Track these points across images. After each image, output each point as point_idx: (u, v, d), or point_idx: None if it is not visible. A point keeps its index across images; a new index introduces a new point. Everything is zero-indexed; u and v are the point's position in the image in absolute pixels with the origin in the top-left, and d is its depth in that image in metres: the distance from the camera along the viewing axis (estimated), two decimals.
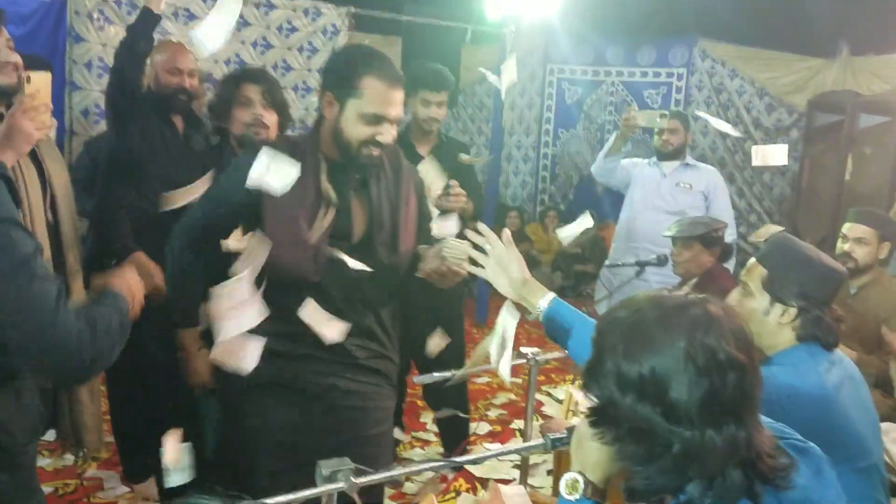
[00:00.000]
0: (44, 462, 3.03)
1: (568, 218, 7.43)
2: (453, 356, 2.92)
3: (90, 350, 1.16)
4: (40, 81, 1.85)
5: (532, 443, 1.39)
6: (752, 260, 1.88)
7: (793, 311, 1.75)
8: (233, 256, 1.82)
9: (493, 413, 4.06)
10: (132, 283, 1.40)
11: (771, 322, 1.78)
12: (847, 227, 3.22)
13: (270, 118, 2.45)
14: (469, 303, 6.36)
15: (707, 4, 6.63)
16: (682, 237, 2.95)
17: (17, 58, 1.93)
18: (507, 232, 1.69)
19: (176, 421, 1.98)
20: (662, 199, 3.84)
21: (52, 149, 2.08)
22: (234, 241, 2.22)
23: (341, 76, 1.79)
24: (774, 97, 6.94)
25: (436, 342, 2.04)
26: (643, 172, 4.01)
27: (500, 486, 1.80)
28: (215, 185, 1.98)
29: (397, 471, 1.19)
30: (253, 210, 1.77)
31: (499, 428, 3.91)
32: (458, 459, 1.38)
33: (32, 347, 1.12)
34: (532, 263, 7.19)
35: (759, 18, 6.57)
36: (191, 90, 2.63)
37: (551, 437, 1.34)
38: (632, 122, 3.91)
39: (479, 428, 3.79)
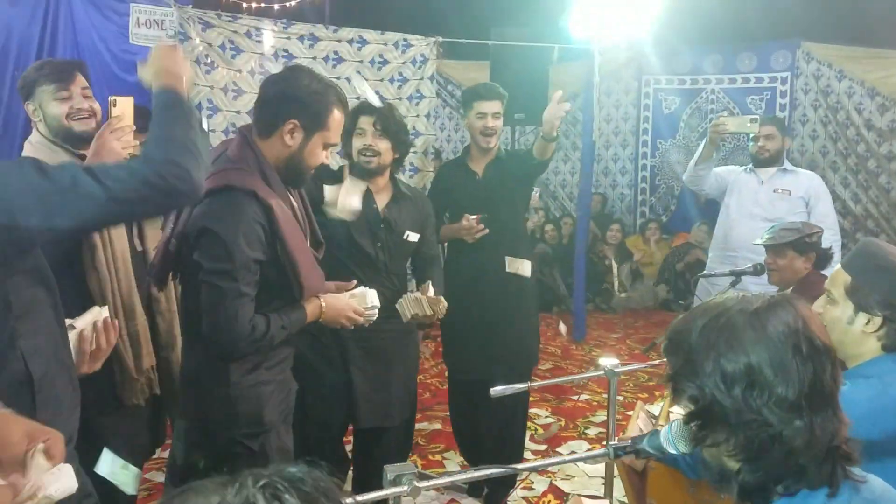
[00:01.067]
0: None
1: (671, 230, 7.30)
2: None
3: None
4: (125, 105, 2.06)
5: (595, 452, 1.40)
6: (838, 266, 1.82)
7: (878, 320, 1.69)
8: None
9: (592, 431, 4.02)
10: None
11: (855, 331, 1.72)
12: None
13: (382, 146, 2.57)
14: (567, 318, 6.34)
15: (808, 6, 6.40)
16: (773, 244, 2.86)
17: (94, 104, 2.15)
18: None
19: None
20: (760, 207, 3.76)
21: None
22: None
23: (312, 110, 1.88)
24: (887, 97, 6.55)
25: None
26: (739, 179, 3.95)
27: (584, 498, 1.82)
28: None
29: (459, 476, 1.25)
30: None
31: (598, 446, 3.87)
32: (519, 467, 1.42)
33: None
34: (634, 277, 7.07)
35: (863, 18, 6.25)
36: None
37: (613, 447, 1.36)
38: (721, 128, 3.84)
39: (579, 447, 3.76)
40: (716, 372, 1.06)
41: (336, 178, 2.56)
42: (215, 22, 4.36)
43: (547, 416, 4.13)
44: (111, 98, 2.08)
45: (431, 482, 1.22)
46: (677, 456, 1.90)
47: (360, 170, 2.58)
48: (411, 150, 4.99)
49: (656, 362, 2.20)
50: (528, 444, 3.75)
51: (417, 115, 5.04)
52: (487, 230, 2.99)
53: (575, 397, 4.43)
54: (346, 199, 2.41)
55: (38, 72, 2.16)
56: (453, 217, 3.11)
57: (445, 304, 2.52)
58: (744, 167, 4.03)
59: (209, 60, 4.34)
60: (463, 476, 1.27)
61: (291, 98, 1.88)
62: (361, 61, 4.82)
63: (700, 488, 2.00)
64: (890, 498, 1.14)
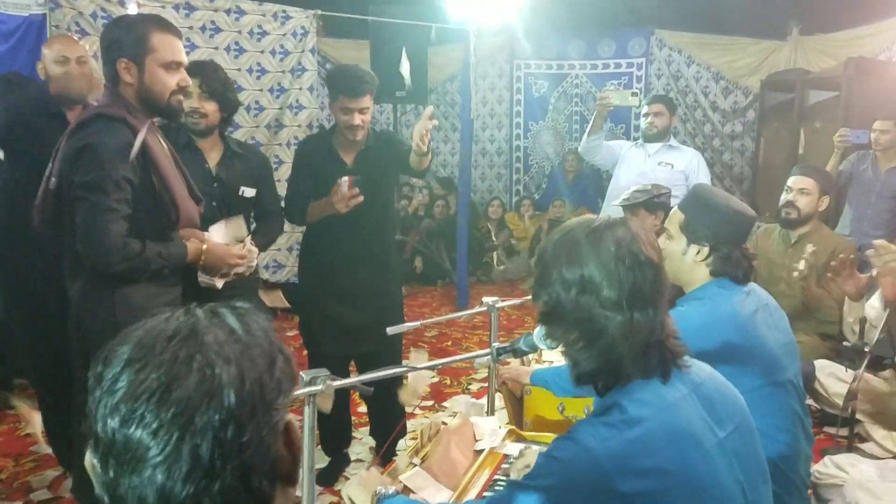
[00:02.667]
0: None
1: (543, 206, 7.74)
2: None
3: None
4: None
5: (480, 352, 1.61)
6: (674, 207, 2.13)
7: (705, 250, 2.00)
8: None
9: (474, 387, 4.29)
10: None
11: (688, 261, 2.03)
12: (792, 180, 3.55)
13: (209, 107, 2.64)
14: (450, 290, 6.63)
15: None
16: (627, 204, 3.21)
17: None
18: None
19: None
20: (645, 177, 3.99)
21: None
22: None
23: (130, 41, 2.01)
24: (730, 80, 7.25)
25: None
26: (630, 153, 4.36)
27: (475, 418, 2.03)
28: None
29: (367, 376, 1.42)
30: None
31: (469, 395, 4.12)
32: (419, 366, 1.60)
33: None
34: (511, 251, 7.46)
35: (711, 6, 6.88)
36: (83, 78, 2.83)
37: (496, 347, 1.57)
38: (606, 101, 4.21)
39: (459, 404, 4.00)
40: (558, 279, 1.27)
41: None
42: None
43: (432, 377, 4.37)
44: None
45: (343, 381, 1.38)
46: (549, 378, 2.18)
47: (188, 130, 2.65)
48: (296, 124, 5.10)
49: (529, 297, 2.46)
50: (415, 400, 3.97)
51: (301, 88, 5.09)
52: (362, 197, 2.74)
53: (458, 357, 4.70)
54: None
55: None
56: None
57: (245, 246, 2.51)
58: (635, 142, 4.46)
59: (80, 28, 4.20)
60: (369, 377, 1.43)
61: (111, 41, 2.04)
62: (240, 31, 4.81)
63: (568, 406, 2.28)
64: (715, 376, 1.41)
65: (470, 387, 4.29)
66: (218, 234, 2.46)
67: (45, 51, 2.89)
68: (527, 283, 6.87)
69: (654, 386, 1.26)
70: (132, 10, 4.26)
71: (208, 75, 2.62)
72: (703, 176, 4.19)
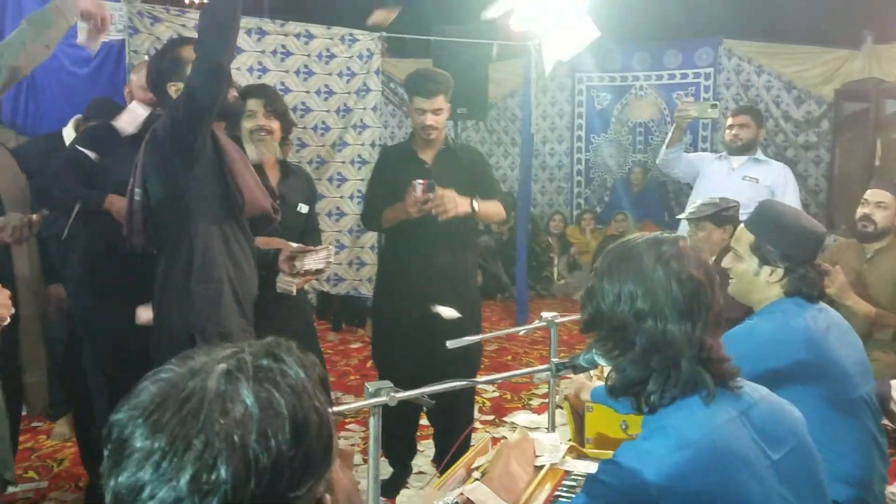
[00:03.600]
0: None
1: (605, 220, 7.67)
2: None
3: None
4: None
5: (539, 367, 1.62)
6: (741, 226, 2.10)
7: (780, 271, 1.96)
8: None
9: (535, 402, 4.28)
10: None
11: (760, 281, 1.99)
12: (869, 193, 3.43)
13: (273, 125, 2.75)
14: (510, 305, 6.62)
15: (728, 5, 6.83)
16: (693, 218, 3.16)
17: None
18: None
19: None
20: (728, 192, 3.67)
21: (9, 170, 2.47)
22: None
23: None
24: (802, 90, 7.06)
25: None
26: (712, 166, 4.12)
27: (536, 434, 2.04)
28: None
29: (431, 388, 1.46)
30: None
31: (528, 410, 4.11)
32: (478, 381, 1.63)
33: None
34: (572, 265, 7.42)
35: (780, 15, 6.73)
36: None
37: (555, 363, 1.57)
38: (684, 113, 4.04)
39: (518, 416, 3.99)
40: (600, 288, 1.31)
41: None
42: (163, 16, 4.45)
43: (493, 391, 4.38)
44: None
45: (408, 393, 1.42)
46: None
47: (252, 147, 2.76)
48: (360, 143, 5.22)
49: None
50: (476, 414, 3.99)
51: (364, 108, 5.21)
52: (437, 204, 2.73)
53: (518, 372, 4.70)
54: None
55: None
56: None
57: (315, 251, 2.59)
58: (718, 154, 4.22)
59: None
60: (432, 389, 1.47)
61: (156, 69, 2.18)
62: (309, 55, 4.96)
63: (632, 424, 2.25)
64: (770, 398, 1.36)
65: (530, 402, 4.27)
66: (312, 261, 2.52)
67: (134, 77, 3.03)
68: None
69: (701, 407, 1.25)
70: None
71: (271, 97, 2.76)
72: (791, 192, 3.93)
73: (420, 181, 2.73)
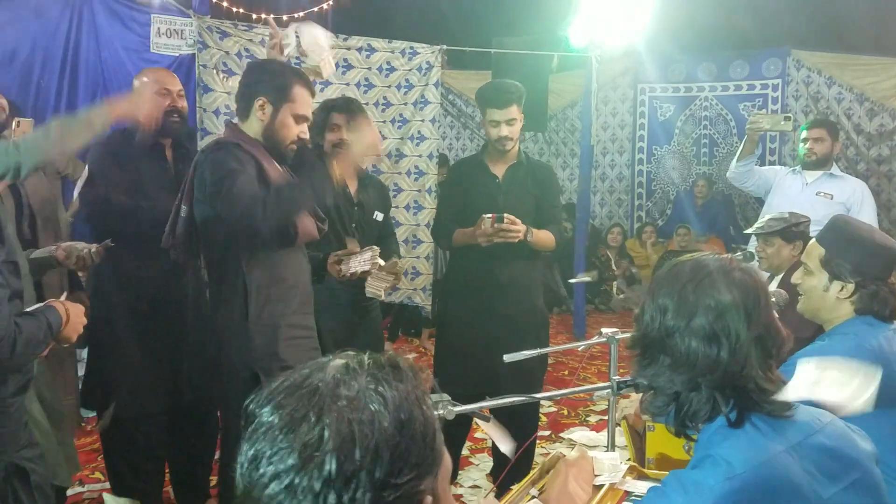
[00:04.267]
0: None
1: (667, 233, 7.51)
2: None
3: (7, 351, 1.43)
4: (26, 125, 2.26)
5: (599, 385, 1.58)
6: (812, 240, 2.02)
7: (851, 286, 1.88)
8: None
9: (593, 419, 4.20)
10: (72, 308, 1.65)
11: (830, 297, 1.92)
12: None
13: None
14: (567, 318, 6.54)
15: (797, 15, 6.63)
16: (762, 233, 3.06)
17: (3, 101, 2.39)
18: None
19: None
20: (800, 208, 3.50)
21: (40, 180, 2.46)
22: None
23: (276, 85, 2.18)
24: (875, 102, 6.78)
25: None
26: (785, 181, 4.02)
27: (595, 452, 1.99)
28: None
29: (487, 403, 1.44)
30: None
31: (586, 427, 4.03)
32: (537, 396, 1.60)
33: None
34: (631, 280, 7.28)
35: (850, 25, 6.49)
36: (182, 110, 2.74)
37: (616, 381, 1.53)
38: (756, 125, 3.95)
39: (576, 433, 3.91)
40: (644, 310, 1.31)
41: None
42: (232, 31, 4.57)
43: (549, 406, 4.32)
44: (16, 119, 2.29)
45: (464, 407, 1.41)
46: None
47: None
48: (417, 154, 5.25)
49: None
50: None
51: (423, 120, 5.24)
52: (504, 237, 2.76)
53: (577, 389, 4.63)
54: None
55: None
56: (469, 218, 2.89)
57: (400, 263, 2.73)
58: (792, 168, 4.10)
59: (227, 68, 4.54)
60: (489, 404, 1.46)
61: (257, 79, 2.21)
62: (370, 68, 5.03)
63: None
64: (835, 426, 1.28)
65: (588, 419, 4.20)
66: (357, 263, 2.57)
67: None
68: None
69: (752, 437, 1.21)
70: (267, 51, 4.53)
71: (354, 111, 2.85)
72: (867, 210, 3.80)
73: (489, 216, 2.75)
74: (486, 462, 3.41)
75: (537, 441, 3.79)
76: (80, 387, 2.98)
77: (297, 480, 0.69)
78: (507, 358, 2.03)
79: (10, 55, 4.35)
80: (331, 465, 0.69)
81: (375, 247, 2.61)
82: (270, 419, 0.73)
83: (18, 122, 2.25)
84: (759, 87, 7.39)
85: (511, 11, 6.89)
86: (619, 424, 2.25)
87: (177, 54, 4.51)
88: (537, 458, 3.55)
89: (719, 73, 7.58)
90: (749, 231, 3.19)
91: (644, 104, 7.95)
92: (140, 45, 4.44)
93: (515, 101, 2.86)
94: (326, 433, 0.70)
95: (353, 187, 2.90)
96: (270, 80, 2.19)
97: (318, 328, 2.45)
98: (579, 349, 2.19)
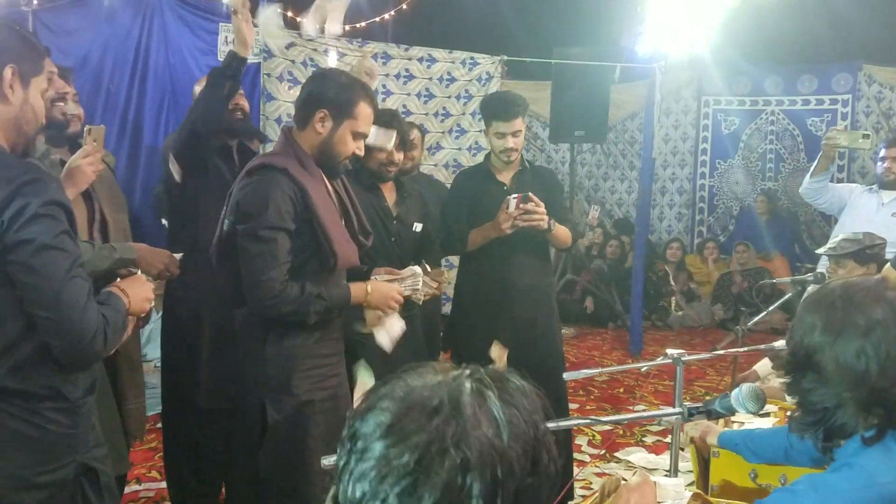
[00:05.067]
0: None
1: (728, 250, 7.31)
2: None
3: (101, 342, 1.45)
4: (98, 133, 2.27)
5: (669, 410, 1.52)
6: (888, 265, 1.92)
7: None
8: None
9: (649, 439, 4.09)
10: (127, 284, 1.64)
11: None
12: None
13: (399, 157, 2.83)
14: (622, 334, 6.41)
15: (869, 29, 6.39)
16: (834, 255, 2.93)
17: (80, 110, 2.40)
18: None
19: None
20: (875, 229, 3.34)
21: (111, 185, 2.49)
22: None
23: (340, 99, 2.11)
24: None
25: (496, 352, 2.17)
26: (860, 199, 3.86)
27: (656, 477, 1.93)
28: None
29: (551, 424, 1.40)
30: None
31: (643, 450, 3.92)
32: (604, 419, 1.55)
33: (60, 328, 1.40)
34: (690, 296, 7.10)
35: None
36: (244, 108, 2.83)
37: (687, 407, 1.47)
38: (832, 142, 3.79)
39: (634, 455, 3.82)
40: (794, 334, 1.31)
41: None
42: (297, 41, 4.64)
43: (605, 425, 4.22)
44: (87, 126, 2.29)
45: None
46: (739, 442, 2.02)
47: (375, 176, 2.78)
48: (472, 163, 5.21)
49: (720, 352, 2.32)
50: (586, 448, 3.86)
51: (480, 131, 5.22)
52: (529, 221, 2.76)
53: (631, 407, 4.51)
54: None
55: None
56: (479, 225, 2.92)
57: (446, 272, 2.68)
58: (868, 186, 3.96)
59: (292, 77, 4.61)
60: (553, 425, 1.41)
61: (321, 90, 2.13)
62: (430, 78, 5.05)
63: (762, 474, 2.09)
64: None
65: (644, 439, 4.09)
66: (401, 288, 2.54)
67: None
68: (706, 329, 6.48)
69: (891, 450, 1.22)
70: (332, 59, 4.58)
71: (403, 129, 2.82)
72: None
73: (514, 196, 2.76)
74: None
75: (591, 459, 3.71)
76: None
77: None
78: (567, 376, 1.98)
79: (81, 60, 4.49)
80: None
81: (418, 269, 2.53)
82: (390, 452, 0.64)
83: (89, 129, 2.28)
84: (829, 102, 7.16)
85: (572, 22, 6.83)
86: (683, 448, 2.17)
87: None
88: (591, 478, 3.48)
89: (787, 87, 7.38)
90: (821, 251, 3.07)
91: (708, 116, 7.76)
92: (207, 52, 4.55)
93: (521, 114, 2.90)
94: (470, 479, 0.63)
95: (391, 199, 2.86)
96: (335, 93, 2.12)
97: (352, 339, 2.41)
98: (642, 370, 2.11)
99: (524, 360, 2.75)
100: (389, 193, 2.88)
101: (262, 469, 2.11)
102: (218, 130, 2.68)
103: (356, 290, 2.19)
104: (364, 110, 2.15)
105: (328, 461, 1.20)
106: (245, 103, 2.85)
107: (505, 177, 3.00)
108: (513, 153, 2.91)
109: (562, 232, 2.95)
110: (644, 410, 4.22)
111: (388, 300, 2.25)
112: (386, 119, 2.72)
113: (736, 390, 1.41)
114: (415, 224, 2.91)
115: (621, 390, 4.92)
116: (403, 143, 2.83)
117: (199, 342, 2.73)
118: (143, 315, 1.72)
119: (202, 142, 2.64)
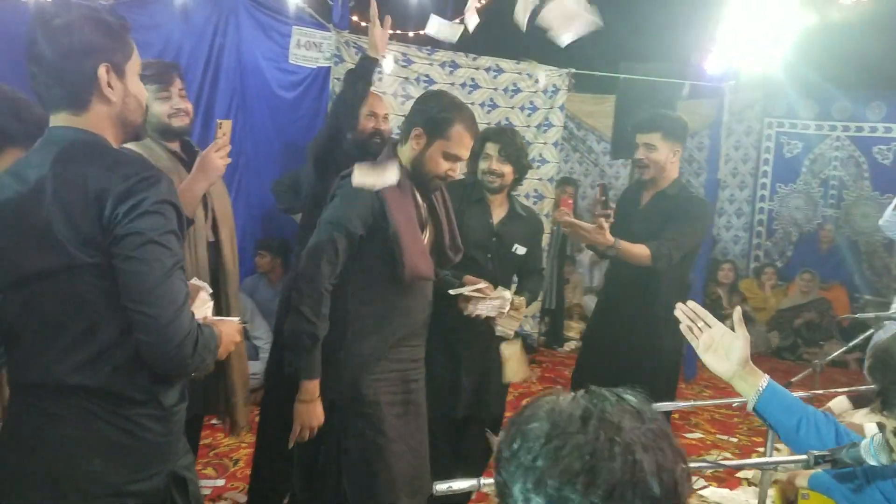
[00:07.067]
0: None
1: (786, 275, 7.12)
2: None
3: (190, 348, 1.42)
4: (227, 126, 2.28)
5: (792, 458, 1.45)
6: None
7: None
8: None
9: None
10: (230, 330, 1.64)
11: None
12: None
13: (505, 169, 2.81)
14: None
15: None
16: None
17: (188, 105, 2.41)
18: (738, 311, 1.75)
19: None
20: None
21: (219, 184, 2.49)
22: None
23: (435, 119, 2.17)
24: None
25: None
26: None
27: None
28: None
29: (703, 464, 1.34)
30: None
31: (714, 484, 3.81)
32: (727, 464, 1.48)
33: (152, 324, 1.37)
34: (746, 319, 6.91)
35: None
36: (385, 133, 2.94)
37: (814, 455, 1.38)
38: None
39: (710, 490, 3.70)
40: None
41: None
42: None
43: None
44: (218, 121, 2.32)
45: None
46: (832, 483, 1.93)
47: (483, 187, 2.84)
48: (537, 177, 5.18)
49: (806, 394, 2.22)
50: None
51: (545, 143, 5.17)
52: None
53: (688, 434, 4.40)
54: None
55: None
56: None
57: (518, 299, 2.62)
58: None
59: None
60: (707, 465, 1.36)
61: (422, 109, 2.21)
62: (496, 88, 5.01)
63: None
64: None
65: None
66: (484, 307, 2.51)
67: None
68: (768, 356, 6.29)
69: None
70: (387, 65, 4.52)
71: (507, 141, 2.81)
72: None
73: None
74: None
75: None
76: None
77: None
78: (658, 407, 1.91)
79: (156, 56, 4.54)
80: (654, 489, 0.70)
81: (508, 294, 2.53)
82: (559, 457, 0.71)
83: (220, 123, 2.31)
84: None
85: (640, 37, 6.72)
86: (751, 483, 2.09)
87: (313, 66, 4.61)
88: None
89: (854, 113, 7.19)
90: None
91: (771, 139, 7.59)
92: (279, 56, 4.57)
93: (503, 140, 2.87)
94: (639, 456, 0.70)
95: (497, 217, 2.87)
96: (432, 112, 2.19)
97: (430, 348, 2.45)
98: (733, 405, 2.03)
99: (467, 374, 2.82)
100: (498, 210, 2.88)
101: (345, 470, 2.20)
102: (355, 144, 2.82)
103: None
104: (459, 133, 2.18)
105: (442, 486, 1.18)
106: (388, 127, 2.99)
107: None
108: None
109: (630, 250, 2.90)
110: (723, 445, 4.08)
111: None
112: (490, 135, 2.85)
113: (867, 440, 1.34)
114: (515, 245, 2.88)
115: (676, 416, 4.79)
116: (509, 156, 2.80)
117: None
118: (220, 358, 1.68)
119: (338, 143, 2.78)
